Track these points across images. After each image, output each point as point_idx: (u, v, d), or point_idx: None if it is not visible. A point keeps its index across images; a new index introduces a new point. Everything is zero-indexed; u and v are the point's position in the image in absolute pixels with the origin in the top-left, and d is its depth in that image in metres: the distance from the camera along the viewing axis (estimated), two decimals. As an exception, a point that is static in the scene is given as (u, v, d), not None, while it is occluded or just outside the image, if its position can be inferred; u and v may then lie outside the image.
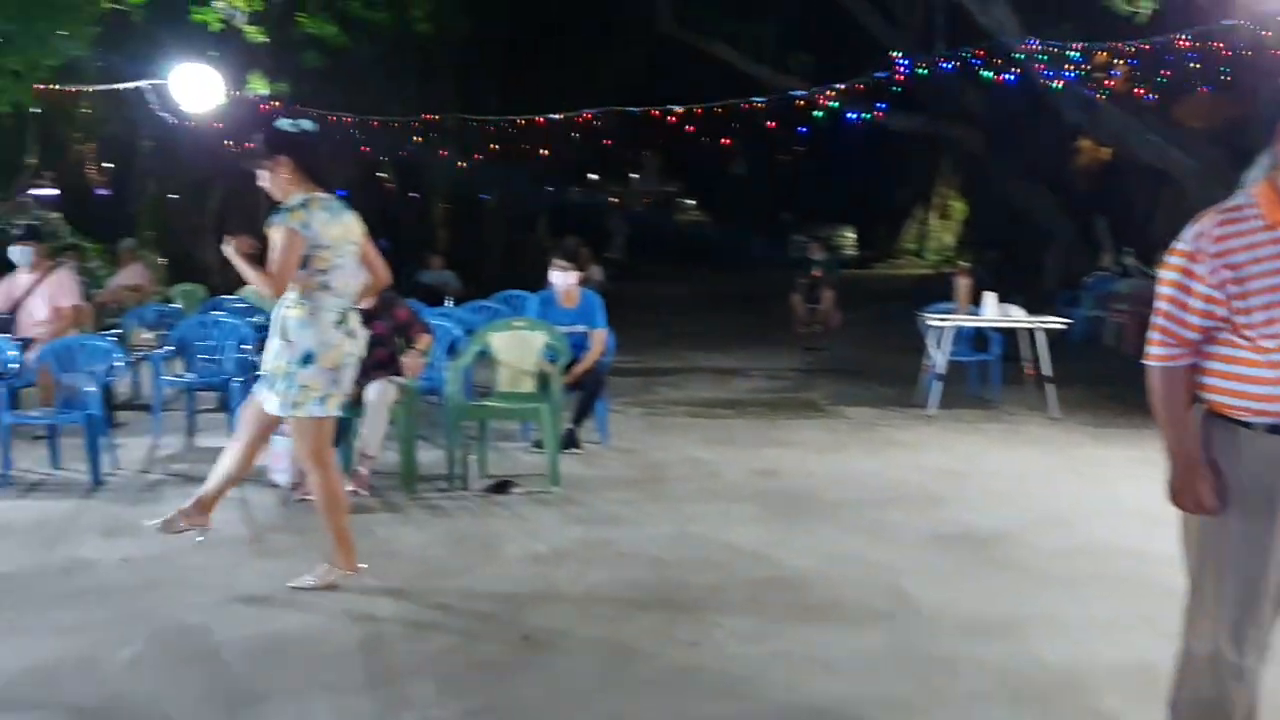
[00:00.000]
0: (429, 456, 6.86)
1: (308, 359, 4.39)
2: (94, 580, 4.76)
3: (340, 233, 4.46)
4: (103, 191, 22.62)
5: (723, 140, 18.45)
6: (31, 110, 10.67)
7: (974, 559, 5.10)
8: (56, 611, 4.37)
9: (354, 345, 4.58)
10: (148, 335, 9.47)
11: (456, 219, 23.97)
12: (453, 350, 7.85)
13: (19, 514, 5.82)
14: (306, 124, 4.54)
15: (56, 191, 23.66)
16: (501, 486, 6.24)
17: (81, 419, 6.50)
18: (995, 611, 4.38)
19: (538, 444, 7.05)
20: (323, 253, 4.38)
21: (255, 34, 12.52)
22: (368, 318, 6.23)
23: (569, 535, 5.45)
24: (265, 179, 4.44)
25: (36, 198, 22.83)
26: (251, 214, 15.12)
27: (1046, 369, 8.69)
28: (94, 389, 6.65)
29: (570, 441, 7.01)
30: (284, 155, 4.39)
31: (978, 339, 9.48)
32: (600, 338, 7.31)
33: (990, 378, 9.31)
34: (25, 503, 6.08)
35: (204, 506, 4.67)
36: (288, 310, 4.42)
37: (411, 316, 6.43)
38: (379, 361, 6.19)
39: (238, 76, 12.94)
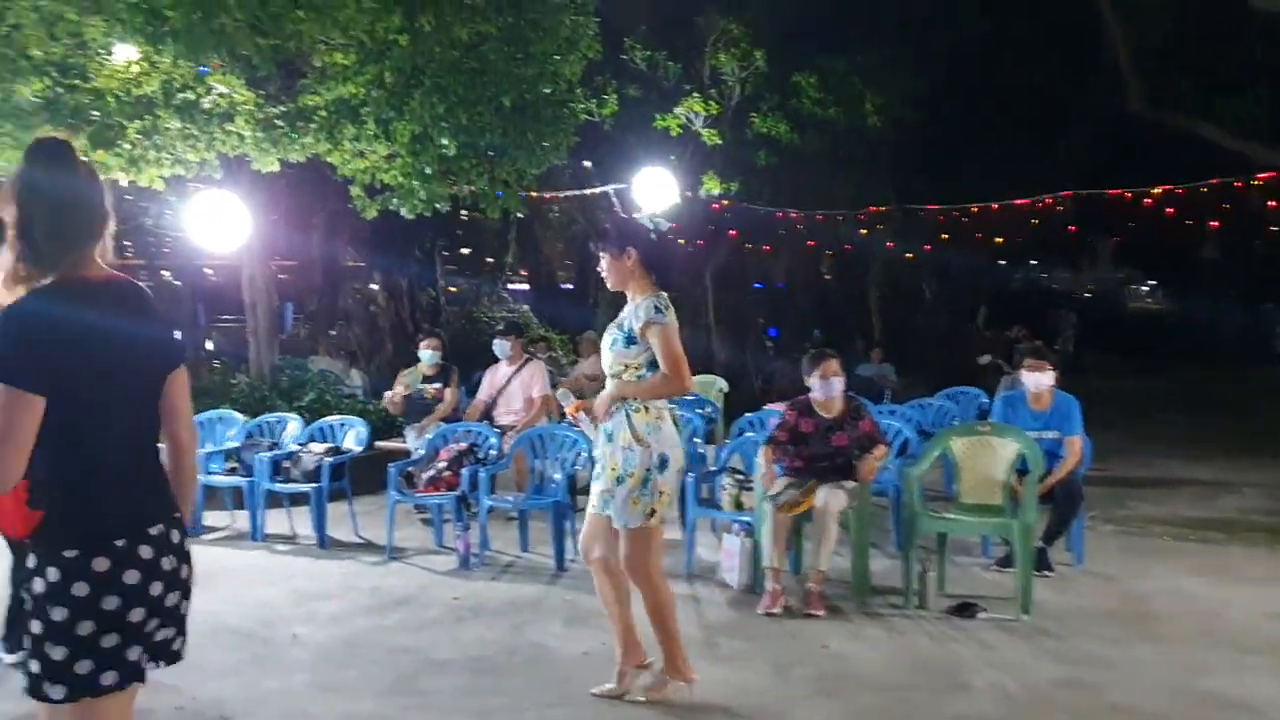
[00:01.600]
0: (880, 566, 6.47)
1: (664, 463, 4.27)
2: (555, 672, 4.84)
3: None
4: (567, 285, 24.72)
5: (1211, 223, 16.62)
6: (516, 215, 11.74)
7: None
8: (532, 697, 4.45)
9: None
10: (606, 425, 9.94)
11: (893, 309, 23.58)
12: (903, 451, 7.46)
13: (491, 594, 6.14)
14: (662, 223, 4.57)
15: (527, 286, 26.25)
16: (965, 609, 5.70)
17: (549, 505, 6.81)
18: None
19: (1002, 562, 6.44)
20: None
21: (711, 136, 13.09)
22: (833, 426, 6.05)
23: (1046, 674, 4.81)
24: (606, 266, 4.42)
25: (512, 293, 25.40)
26: (698, 310, 15.80)
27: None
28: (561, 476, 6.96)
29: (1041, 563, 6.32)
30: (633, 248, 4.34)
31: None
32: (1076, 445, 6.55)
33: None
34: (497, 584, 6.40)
35: (633, 647, 4.55)
36: (636, 415, 4.27)
37: (875, 429, 6.14)
38: (835, 469, 5.94)
39: (693, 178, 13.56)
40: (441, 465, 7.17)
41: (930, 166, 17.97)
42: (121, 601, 2.19)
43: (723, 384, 12.87)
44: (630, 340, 4.27)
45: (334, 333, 19.88)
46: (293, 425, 8.25)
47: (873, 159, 15.91)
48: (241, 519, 7.87)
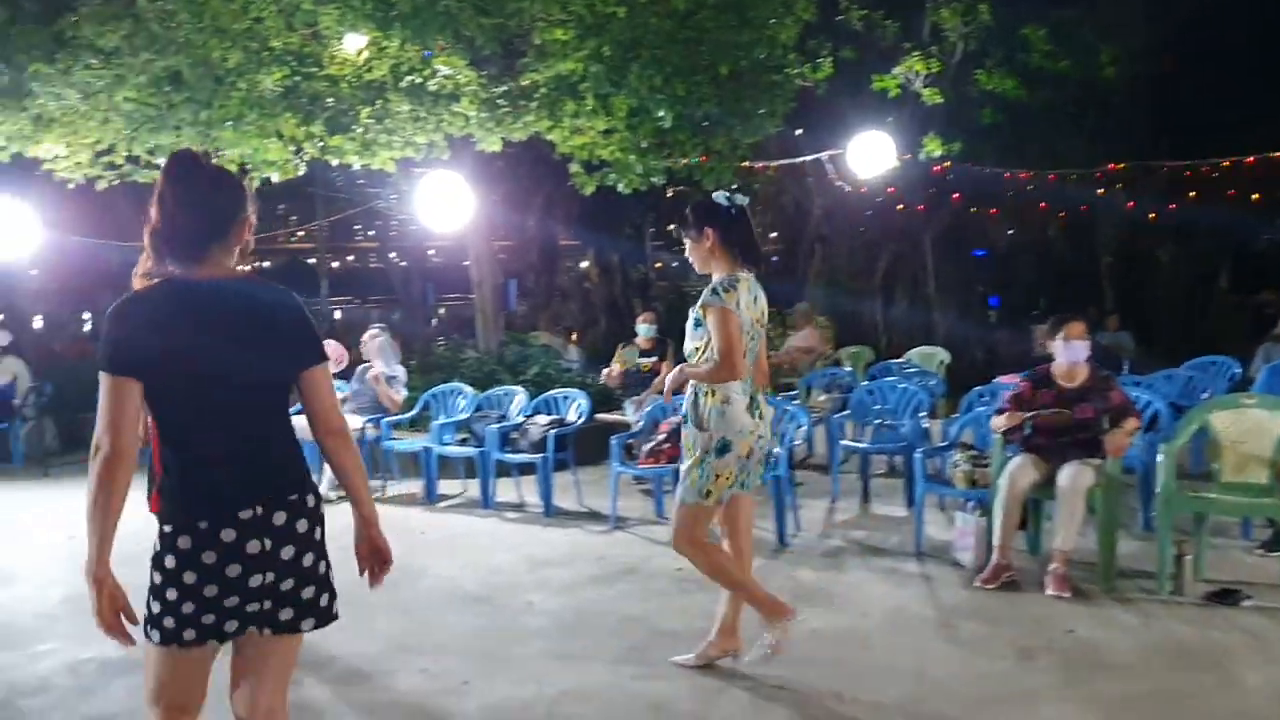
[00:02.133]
0: (1127, 548, 6.05)
1: (724, 448, 4.19)
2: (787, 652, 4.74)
3: (756, 315, 4.26)
4: (774, 259, 24.42)
5: None
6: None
7: None
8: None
9: (765, 428, 4.34)
10: (823, 398, 9.74)
11: (1126, 274, 22.11)
12: (1152, 425, 6.95)
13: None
14: (740, 199, 4.32)
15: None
16: (1227, 594, 5.25)
17: (769, 479, 6.70)
18: None
19: (1269, 545, 5.91)
20: (741, 336, 4.17)
21: (932, 96, 12.55)
22: (1076, 398, 5.69)
23: (1329, 671, 4.36)
24: (688, 250, 4.33)
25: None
26: (917, 278, 15.26)
27: None
28: (781, 450, 6.84)
29: (1311, 545, 5.77)
30: (710, 229, 4.23)
31: None
32: (1358, 419, 5.92)
33: None
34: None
35: (728, 631, 4.51)
36: (704, 398, 4.22)
37: (1125, 401, 5.72)
38: (1079, 444, 5.58)
39: (912, 140, 13.06)
40: (661, 437, 7.18)
41: (1170, 120, 16.68)
42: (197, 577, 2.46)
43: (944, 355, 12.40)
44: (698, 322, 4.22)
45: (550, 309, 20.38)
46: (519, 398, 8.46)
47: (1107, 114, 14.88)
48: (473, 487, 8.16)
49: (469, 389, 8.80)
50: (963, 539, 5.98)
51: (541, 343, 15.98)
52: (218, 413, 2.52)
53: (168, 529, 2.50)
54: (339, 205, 16.20)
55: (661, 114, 7.59)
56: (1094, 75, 13.19)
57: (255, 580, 2.50)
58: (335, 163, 7.95)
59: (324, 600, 2.64)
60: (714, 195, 4.40)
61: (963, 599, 5.43)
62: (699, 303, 4.20)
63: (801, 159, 13.13)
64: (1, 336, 11.28)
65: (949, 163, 12.85)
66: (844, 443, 8.09)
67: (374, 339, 8.71)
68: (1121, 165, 14.18)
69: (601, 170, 8.79)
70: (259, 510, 2.50)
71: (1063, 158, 14.50)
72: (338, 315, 19.88)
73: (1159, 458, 5.57)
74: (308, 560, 2.59)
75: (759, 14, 7.77)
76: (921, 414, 7.87)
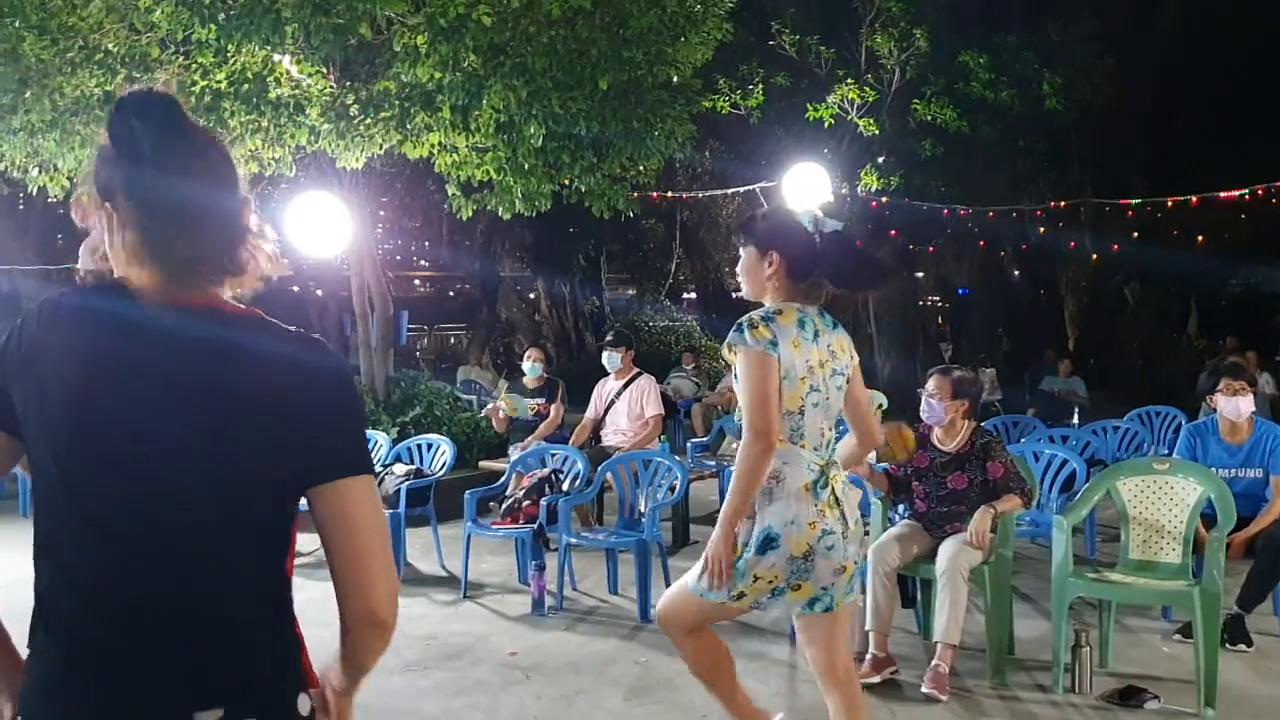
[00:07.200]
0: (1033, 630, 5.29)
1: (768, 542, 3.06)
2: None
3: (820, 359, 3.15)
4: (738, 294, 23.79)
5: None
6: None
7: None
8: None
9: (836, 521, 3.12)
10: (736, 445, 8.98)
11: (1089, 317, 21.53)
12: (1069, 486, 6.20)
13: (556, 650, 5.28)
14: (827, 223, 3.22)
15: (693, 295, 25.48)
16: (1130, 694, 4.47)
17: (632, 544, 5.92)
18: None
19: (1185, 630, 5.12)
20: (793, 386, 3.09)
21: (868, 126, 11.90)
22: (951, 463, 4.92)
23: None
24: (744, 267, 3.29)
25: (681, 303, 24.62)
26: (854, 317, 14.55)
27: None
28: (647, 508, 6.06)
29: (1236, 634, 4.99)
30: (777, 252, 3.20)
31: None
32: (1286, 490, 5.17)
33: None
34: (568, 637, 5.55)
35: None
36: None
37: (1007, 474, 4.85)
38: (958, 516, 4.81)
39: (849, 172, 12.39)
40: (519, 494, 6.38)
41: (1127, 156, 16.10)
42: None
43: (881, 399, 11.65)
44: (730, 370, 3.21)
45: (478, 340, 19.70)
46: (380, 443, 7.64)
47: (1058, 147, 14.25)
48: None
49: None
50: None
51: (467, 378, 15.23)
52: (120, 544, 1.44)
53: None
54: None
55: (532, 130, 6.85)
56: (1037, 107, 12.54)
57: None
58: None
59: None
60: (799, 211, 3.37)
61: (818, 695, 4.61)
62: (725, 342, 3.20)
63: (734, 190, 12.43)
64: None
65: (886, 198, 12.16)
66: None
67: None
68: (1070, 203, 13.55)
69: (482, 192, 8.05)
70: None
71: (1011, 195, 13.87)
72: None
73: (1054, 531, 4.79)
74: None
75: (645, 23, 7.04)
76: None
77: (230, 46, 6.31)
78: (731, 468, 7.82)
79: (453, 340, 25.38)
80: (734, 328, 3.12)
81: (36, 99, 6.29)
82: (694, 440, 9.45)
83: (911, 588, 5.24)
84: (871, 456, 4.92)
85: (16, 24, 6.24)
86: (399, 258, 26.10)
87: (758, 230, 3.29)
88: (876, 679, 4.62)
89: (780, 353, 3.05)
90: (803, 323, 3.14)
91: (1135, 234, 14.30)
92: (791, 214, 3.40)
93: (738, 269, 3.35)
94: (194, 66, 6.65)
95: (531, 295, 23.26)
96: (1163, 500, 4.82)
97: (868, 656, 4.71)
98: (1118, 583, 4.73)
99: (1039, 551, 6.64)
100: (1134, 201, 13.14)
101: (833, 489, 3.14)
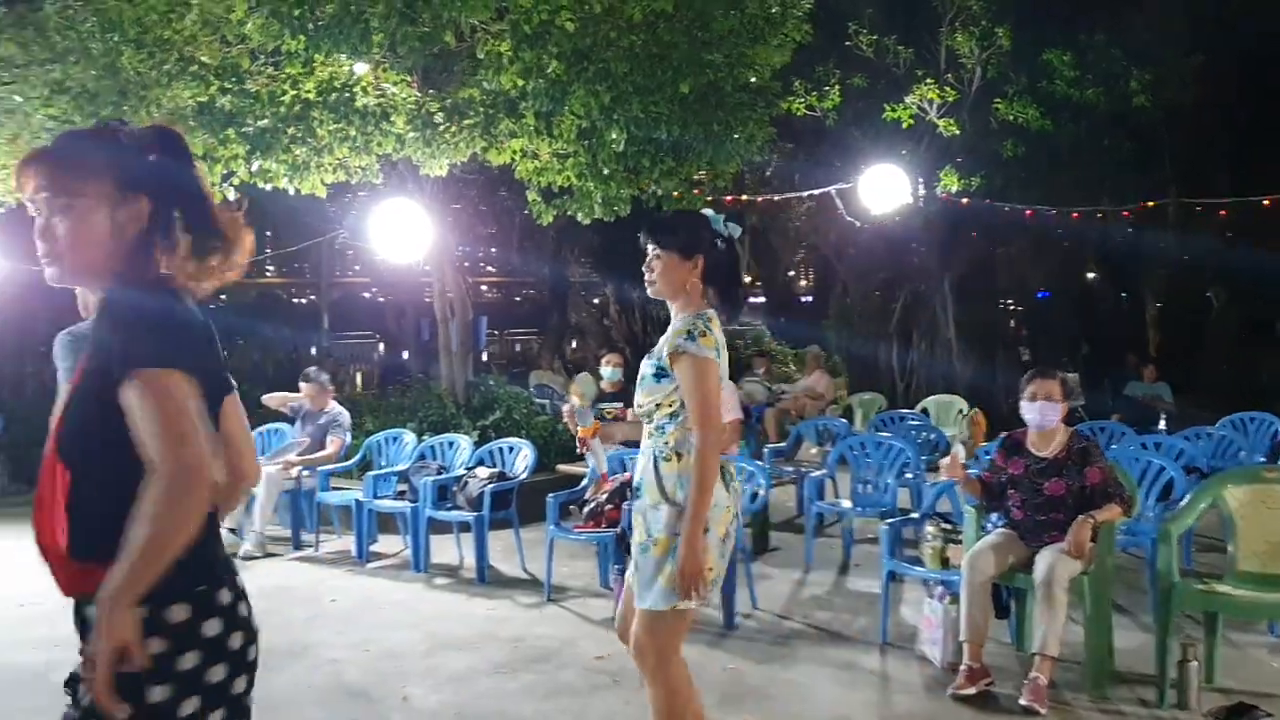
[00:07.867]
0: (1132, 642, 5.14)
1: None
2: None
3: (726, 360, 3.38)
4: (805, 298, 23.57)
5: None
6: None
7: None
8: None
9: (738, 504, 3.38)
10: (814, 450, 8.90)
11: (1172, 320, 20.93)
12: (1166, 494, 6.01)
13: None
14: (734, 229, 3.44)
15: (763, 299, 25.31)
16: (1240, 711, 4.31)
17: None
18: None
19: (1297, 647, 4.95)
20: (724, 386, 3.46)
21: (948, 127, 11.72)
22: (1048, 470, 4.80)
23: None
24: (661, 268, 3.34)
25: (750, 306, 24.48)
26: (932, 322, 14.34)
27: None
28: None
29: (1352, 651, 4.81)
30: (703, 256, 3.32)
31: None
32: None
33: None
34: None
35: None
36: (664, 464, 3.25)
37: (1106, 480, 4.72)
38: (1058, 524, 4.68)
39: (928, 173, 12.20)
40: (602, 497, 6.37)
41: (1216, 154, 15.62)
42: None
43: (963, 405, 11.43)
44: (660, 373, 3.28)
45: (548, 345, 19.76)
46: (464, 447, 7.69)
47: (1144, 146, 13.86)
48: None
49: (410, 436, 8.05)
50: (931, 630, 5.07)
51: (539, 383, 15.29)
52: None
53: None
54: (292, 237, 15.62)
55: (614, 135, 6.84)
56: (1124, 105, 12.22)
57: None
58: (268, 187, 7.27)
59: None
60: (707, 213, 3.52)
61: (920, 709, 4.53)
62: (666, 348, 3.29)
63: (809, 193, 12.31)
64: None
65: (967, 199, 11.94)
66: (817, 505, 7.21)
67: (310, 381, 8.03)
68: (1157, 203, 13.19)
69: (562, 198, 8.06)
70: None
71: (1096, 195, 13.52)
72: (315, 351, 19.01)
73: (1159, 541, 4.64)
74: None
75: (727, 26, 6.99)
76: (908, 474, 6.98)
77: (318, 57, 6.39)
78: (811, 473, 7.74)
79: (517, 347, 25.50)
80: (682, 335, 3.24)
81: (135, 110, 6.44)
82: (770, 446, 9.38)
83: (1005, 597, 5.12)
84: (962, 455, 4.88)
85: (115, 38, 6.40)
86: (467, 264, 26.35)
87: (680, 232, 3.38)
88: (972, 690, 4.53)
89: (720, 358, 3.29)
90: (720, 329, 3.35)
91: (1227, 234, 13.85)
92: (705, 218, 3.46)
93: (648, 269, 3.38)
94: (283, 77, 6.77)
95: (597, 300, 23.28)
96: (1274, 510, 4.65)
97: (962, 668, 4.62)
98: (1231, 596, 4.56)
99: (1130, 561, 6.45)
100: (1228, 200, 12.72)
101: (733, 479, 3.36)
